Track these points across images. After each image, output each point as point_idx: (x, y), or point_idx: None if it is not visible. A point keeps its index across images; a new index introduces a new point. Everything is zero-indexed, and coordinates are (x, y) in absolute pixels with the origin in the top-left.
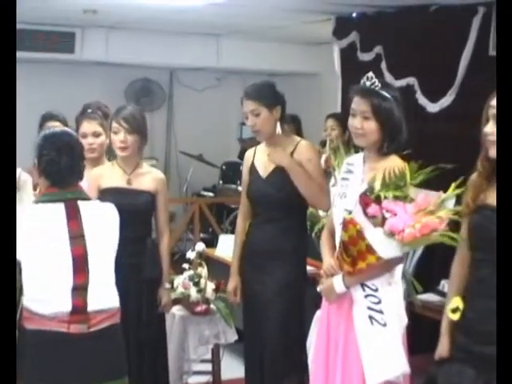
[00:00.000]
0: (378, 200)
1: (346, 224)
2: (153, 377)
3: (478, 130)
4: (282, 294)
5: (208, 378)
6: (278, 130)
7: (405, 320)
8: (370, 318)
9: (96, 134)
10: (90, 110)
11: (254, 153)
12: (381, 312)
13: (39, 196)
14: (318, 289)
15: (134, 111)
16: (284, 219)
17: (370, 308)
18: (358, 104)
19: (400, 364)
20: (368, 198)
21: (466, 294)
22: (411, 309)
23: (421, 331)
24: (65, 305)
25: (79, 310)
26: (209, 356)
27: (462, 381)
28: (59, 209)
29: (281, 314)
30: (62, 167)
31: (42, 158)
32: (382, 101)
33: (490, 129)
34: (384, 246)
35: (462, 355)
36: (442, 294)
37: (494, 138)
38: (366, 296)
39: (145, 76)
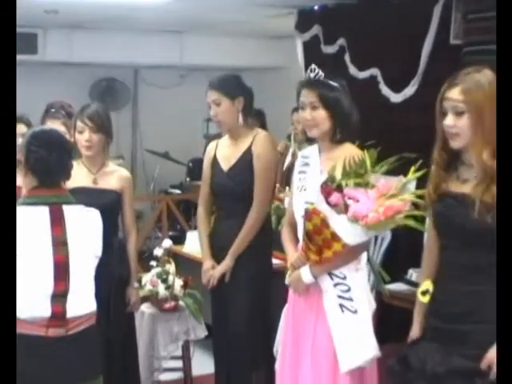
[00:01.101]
0: (339, 188)
1: (309, 214)
2: (123, 375)
3: None
4: (246, 288)
5: (179, 374)
6: (240, 121)
7: (373, 305)
8: (341, 306)
9: None
10: (53, 110)
11: (216, 146)
12: (351, 299)
13: (23, 197)
14: (286, 281)
15: (99, 109)
16: (247, 213)
17: (340, 296)
18: (306, 96)
19: (372, 349)
20: (329, 187)
21: (436, 277)
22: (380, 298)
23: (389, 321)
24: (44, 311)
25: (58, 316)
26: (179, 353)
27: (428, 354)
28: (43, 212)
29: (245, 307)
30: (52, 164)
31: (31, 154)
32: (329, 90)
33: (451, 122)
34: (349, 233)
35: (430, 335)
36: (410, 283)
37: (455, 130)
38: (335, 285)
39: (109, 75)
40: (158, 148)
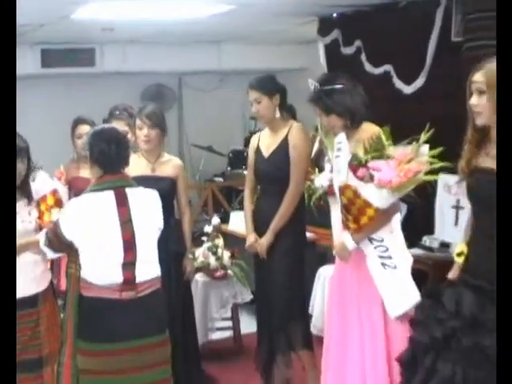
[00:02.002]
0: (363, 164)
1: (342, 189)
2: (184, 334)
3: (447, 105)
4: (285, 257)
5: (229, 332)
6: (278, 114)
7: (410, 259)
8: (383, 264)
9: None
10: (117, 112)
11: (259, 137)
12: (390, 257)
13: (92, 185)
14: (334, 252)
15: (155, 109)
16: (284, 193)
17: (380, 256)
18: (315, 109)
19: (414, 295)
20: (355, 165)
21: (470, 241)
22: None
23: None
24: (117, 277)
25: (129, 281)
26: (229, 314)
27: (461, 299)
28: (110, 196)
29: (284, 273)
30: (112, 155)
31: (94, 149)
32: (328, 98)
33: (475, 101)
34: (377, 197)
35: (465, 288)
36: (425, 248)
37: (478, 109)
38: (375, 247)
39: (157, 81)
40: (202, 142)
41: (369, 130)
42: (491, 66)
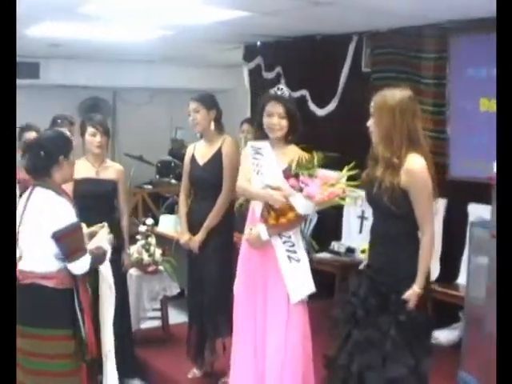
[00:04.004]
0: (295, 176)
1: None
2: (119, 321)
3: (355, 127)
4: (216, 252)
5: (158, 322)
6: (212, 127)
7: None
8: (289, 257)
9: None
10: (59, 120)
11: (194, 147)
12: (295, 252)
13: None
14: (244, 238)
15: (103, 118)
16: (216, 197)
17: (287, 250)
18: (275, 107)
19: (311, 285)
20: (288, 174)
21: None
22: (310, 264)
23: (318, 282)
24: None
25: (16, 265)
26: (159, 306)
27: (360, 285)
28: (28, 192)
29: (215, 267)
30: (28, 166)
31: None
32: (292, 104)
33: (368, 123)
34: (303, 206)
35: (365, 276)
36: (333, 252)
37: (370, 128)
38: (284, 242)
39: (94, 95)
40: (133, 152)
41: (295, 149)
42: (380, 94)
